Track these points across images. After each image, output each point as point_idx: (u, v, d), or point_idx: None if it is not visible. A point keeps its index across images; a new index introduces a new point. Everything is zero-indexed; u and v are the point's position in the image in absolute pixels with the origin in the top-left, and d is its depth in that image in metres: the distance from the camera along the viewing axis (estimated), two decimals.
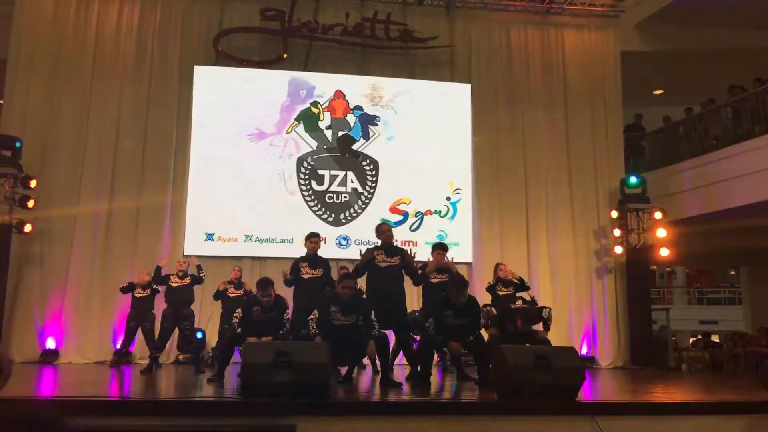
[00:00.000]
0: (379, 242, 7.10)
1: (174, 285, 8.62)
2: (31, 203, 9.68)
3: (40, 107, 10.45)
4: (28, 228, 9.66)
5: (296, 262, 7.44)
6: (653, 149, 13.10)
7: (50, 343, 9.87)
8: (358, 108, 11.44)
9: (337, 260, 10.33)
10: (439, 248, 7.52)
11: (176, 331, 8.85)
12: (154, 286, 8.76)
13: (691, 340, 15.59)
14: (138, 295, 8.72)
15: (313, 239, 7.51)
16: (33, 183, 9.75)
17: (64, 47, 10.72)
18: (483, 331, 6.76)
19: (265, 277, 6.93)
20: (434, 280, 7.30)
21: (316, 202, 11.07)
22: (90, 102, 10.63)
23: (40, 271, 10.07)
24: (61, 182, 10.33)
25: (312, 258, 7.44)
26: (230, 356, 6.77)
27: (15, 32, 10.61)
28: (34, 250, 10.07)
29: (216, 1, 11.29)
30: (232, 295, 9.12)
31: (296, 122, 11.26)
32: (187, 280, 8.70)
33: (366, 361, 7.43)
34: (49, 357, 9.72)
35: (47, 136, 10.38)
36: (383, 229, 7.05)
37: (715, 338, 15.33)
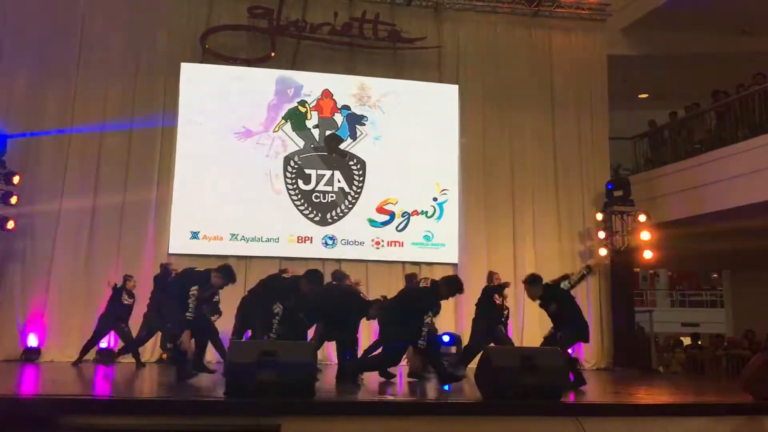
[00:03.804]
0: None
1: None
2: (13, 200, 9.56)
3: (24, 102, 10.33)
4: (10, 225, 9.54)
5: None
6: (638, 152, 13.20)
7: (32, 341, 9.75)
8: (346, 107, 11.42)
9: (323, 260, 10.34)
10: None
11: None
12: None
13: (672, 342, 15.68)
14: (125, 302, 8.76)
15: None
16: (16, 179, 9.63)
17: (49, 42, 10.59)
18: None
19: None
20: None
21: (302, 201, 11.03)
22: (75, 97, 10.52)
23: (22, 268, 9.96)
24: (44, 178, 10.22)
25: None
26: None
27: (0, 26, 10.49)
28: (16, 247, 9.95)
29: None
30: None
31: (283, 121, 11.22)
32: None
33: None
34: (31, 355, 9.60)
35: (31, 131, 10.25)
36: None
37: (687, 340, 15.38)
